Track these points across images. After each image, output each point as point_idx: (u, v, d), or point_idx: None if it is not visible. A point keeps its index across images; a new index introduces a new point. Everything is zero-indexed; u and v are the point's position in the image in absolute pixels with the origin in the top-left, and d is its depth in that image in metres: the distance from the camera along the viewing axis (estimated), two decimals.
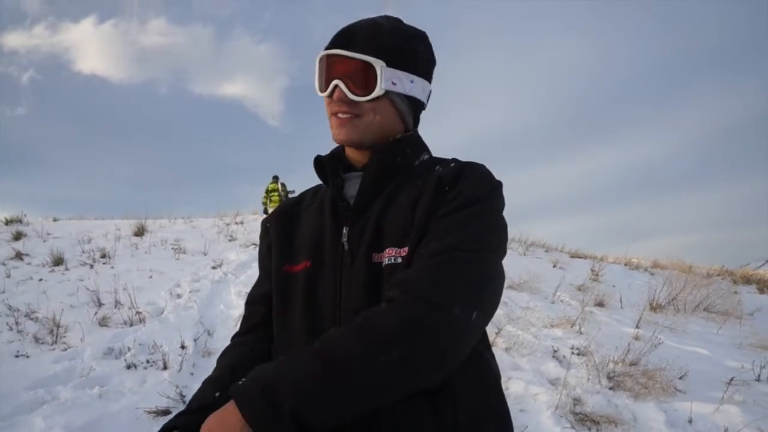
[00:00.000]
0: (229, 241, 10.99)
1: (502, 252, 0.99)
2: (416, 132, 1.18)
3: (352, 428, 0.91)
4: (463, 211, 0.96)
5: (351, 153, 1.15)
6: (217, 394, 1.04)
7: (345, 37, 1.06)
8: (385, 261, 0.98)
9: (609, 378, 4.21)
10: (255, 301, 1.24)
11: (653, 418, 3.64)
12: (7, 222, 11.33)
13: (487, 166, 1.08)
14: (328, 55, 1.05)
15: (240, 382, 0.85)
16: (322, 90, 1.07)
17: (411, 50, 1.08)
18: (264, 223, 1.28)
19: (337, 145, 1.15)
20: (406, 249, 0.97)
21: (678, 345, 5.43)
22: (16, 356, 4.44)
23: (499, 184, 1.04)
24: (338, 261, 1.03)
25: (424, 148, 1.17)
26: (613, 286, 8.57)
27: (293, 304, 1.09)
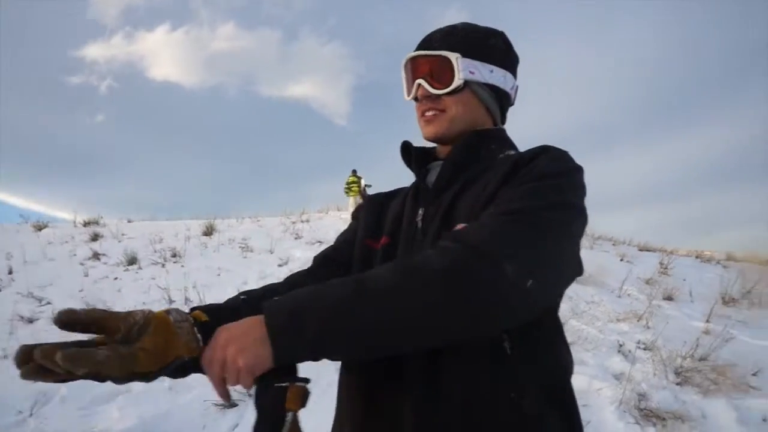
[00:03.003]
0: (295, 239, 11.00)
1: (576, 236, 0.91)
2: (502, 128, 1.19)
3: (412, 380, 0.92)
4: (536, 183, 0.90)
5: (440, 148, 1.19)
6: (242, 297, 1.08)
7: (423, 42, 1.13)
8: None
9: (676, 373, 4.07)
10: (319, 255, 1.27)
11: (724, 415, 3.49)
12: (86, 224, 11.93)
13: None
14: (410, 60, 1.13)
15: (276, 299, 0.83)
16: (409, 93, 1.14)
17: (486, 43, 1.11)
18: (357, 209, 1.33)
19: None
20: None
21: (752, 340, 5.15)
22: None
23: (579, 167, 0.97)
24: (411, 238, 1.07)
25: (511, 145, 1.15)
26: (684, 280, 8.19)
27: None
